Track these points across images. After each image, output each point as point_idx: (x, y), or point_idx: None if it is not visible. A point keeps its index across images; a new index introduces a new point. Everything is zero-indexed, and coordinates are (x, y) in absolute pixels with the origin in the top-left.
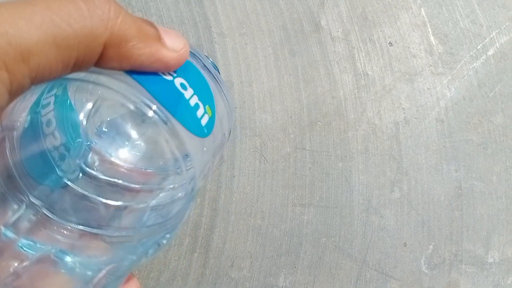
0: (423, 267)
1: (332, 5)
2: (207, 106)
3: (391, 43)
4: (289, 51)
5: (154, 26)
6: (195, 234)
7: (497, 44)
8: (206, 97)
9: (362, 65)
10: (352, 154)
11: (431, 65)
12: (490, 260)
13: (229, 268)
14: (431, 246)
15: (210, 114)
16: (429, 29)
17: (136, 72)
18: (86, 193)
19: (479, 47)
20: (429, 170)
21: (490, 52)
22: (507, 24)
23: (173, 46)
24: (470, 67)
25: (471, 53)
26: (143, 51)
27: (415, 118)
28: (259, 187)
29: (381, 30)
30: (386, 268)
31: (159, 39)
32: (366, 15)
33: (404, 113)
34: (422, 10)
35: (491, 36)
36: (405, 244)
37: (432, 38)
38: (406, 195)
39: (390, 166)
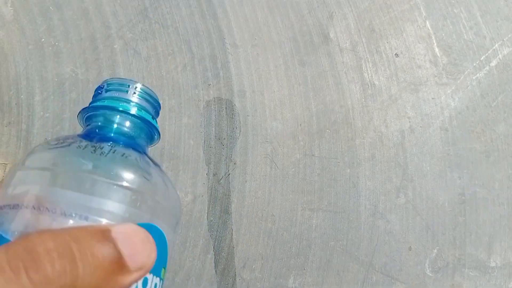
0: (427, 271)
1: (340, 18)
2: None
3: (397, 54)
4: (299, 61)
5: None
6: (209, 236)
7: (500, 55)
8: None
9: (369, 75)
10: (360, 161)
11: (436, 76)
12: (492, 264)
13: (241, 269)
14: (435, 250)
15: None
16: (434, 41)
17: None
18: None
19: (482, 58)
20: (433, 177)
21: (493, 63)
22: (509, 35)
23: (136, 264)
24: (474, 78)
25: (474, 64)
26: None
27: (420, 126)
28: (270, 192)
29: (387, 42)
30: (391, 271)
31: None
32: (373, 27)
33: (409, 121)
34: (427, 22)
35: (494, 47)
36: (410, 248)
37: (436, 49)
38: (411, 201)
39: (396, 172)
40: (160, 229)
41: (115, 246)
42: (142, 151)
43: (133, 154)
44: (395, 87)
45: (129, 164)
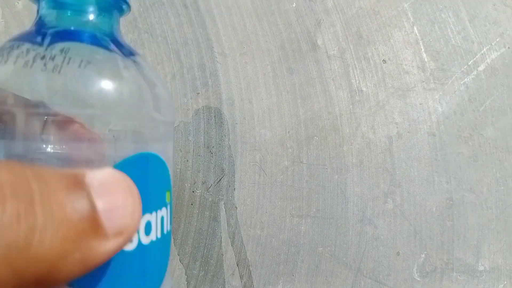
0: (416, 275)
1: (328, 25)
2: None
3: (385, 61)
4: (287, 69)
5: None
6: (197, 244)
7: (488, 59)
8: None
9: (357, 82)
10: (347, 167)
11: (423, 81)
12: (481, 268)
13: (230, 276)
14: (423, 255)
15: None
16: (422, 47)
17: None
18: None
19: (470, 63)
20: (421, 182)
21: (481, 68)
22: (498, 40)
23: (115, 225)
24: (461, 83)
25: (462, 69)
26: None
27: (408, 132)
28: (259, 199)
29: (375, 48)
30: (379, 276)
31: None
32: (361, 34)
33: (397, 127)
34: (415, 28)
35: (482, 52)
36: (398, 253)
37: (424, 55)
38: (399, 206)
39: (384, 178)
40: (157, 154)
41: (88, 196)
42: (109, 43)
43: (98, 55)
44: (383, 93)
45: (95, 77)
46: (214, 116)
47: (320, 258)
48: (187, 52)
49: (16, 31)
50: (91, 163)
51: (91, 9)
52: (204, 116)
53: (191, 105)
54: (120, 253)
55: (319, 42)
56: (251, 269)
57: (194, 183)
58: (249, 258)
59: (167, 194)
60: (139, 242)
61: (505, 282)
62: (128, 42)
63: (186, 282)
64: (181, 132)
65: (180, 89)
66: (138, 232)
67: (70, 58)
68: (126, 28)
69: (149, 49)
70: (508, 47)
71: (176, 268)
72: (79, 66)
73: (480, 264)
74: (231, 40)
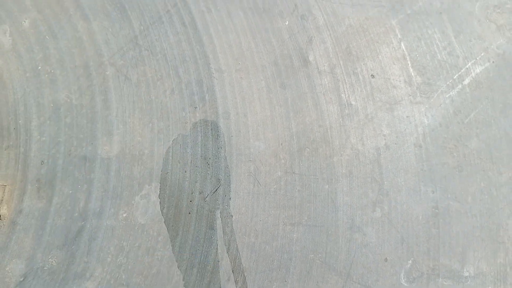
0: (403, 281)
1: (319, 42)
2: None
3: (373, 75)
4: (280, 84)
5: None
6: (194, 251)
7: (472, 73)
8: None
9: (346, 96)
10: (337, 177)
11: (410, 95)
12: (466, 274)
13: (226, 282)
14: (410, 261)
15: None
16: (409, 62)
17: None
18: None
19: (455, 77)
20: (408, 191)
21: (466, 82)
22: (482, 54)
23: None
24: (447, 96)
25: (447, 83)
26: None
27: (395, 143)
28: (253, 208)
29: (364, 64)
30: (368, 281)
31: None
32: (351, 50)
33: (385, 139)
34: (402, 44)
35: (467, 66)
36: (386, 260)
37: (411, 69)
38: (387, 214)
39: (372, 188)
40: None
41: None
42: None
43: None
44: (371, 107)
45: None
46: (211, 129)
47: (312, 264)
48: (185, 69)
49: (22, 49)
50: None
51: None
52: (201, 129)
53: (189, 119)
54: None
55: (311, 58)
56: (245, 275)
57: (192, 193)
58: (244, 265)
59: None
60: None
61: None
62: (130, 58)
63: None
64: (179, 145)
65: (179, 103)
66: None
67: None
68: (128, 45)
69: (149, 66)
70: (493, 61)
71: (174, 274)
72: None
73: (465, 270)
74: (227, 56)
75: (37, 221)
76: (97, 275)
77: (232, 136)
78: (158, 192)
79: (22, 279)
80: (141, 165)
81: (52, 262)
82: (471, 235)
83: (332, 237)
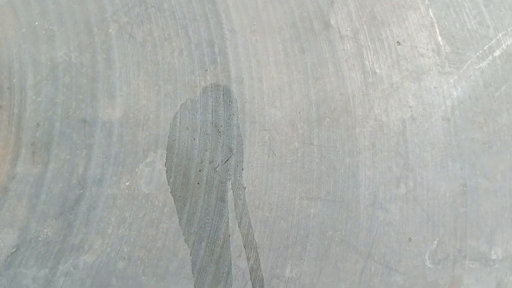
0: (427, 262)
1: (341, 4)
2: None
3: (399, 42)
4: (299, 48)
5: None
6: (203, 224)
7: (503, 45)
8: None
9: (370, 63)
10: (359, 150)
11: (438, 65)
12: (494, 256)
13: (237, 258)
14: (436, 242)
15: None
16: (437, 30)
17: None
18: None
19: (485, 48)
20: (434, 167)
21: (497, 53)
22: None
23: None
24: (477, 68)
25: (477, 54)
26: None
27: (422, 116)
28: (267, 180)
29: (389, 30)
30: (390, 262)
31: None
32: (375, 14)
33: (411, 111)
34: (430, 10)
35: (498, 37)
36: (410, 239)
37: (439, 38)
38: (411, 191)
39: (397, 162)
40: None
41: None
42: None
43: None
44: (397, 76)
45: None
46: (223, 94)
47: (330, 242)
48: (195, 28)
49: (18, 2)
50: None
51: None
52: (212, 94)
53: (199, 82)
54: None
55: (332, 21)
56: (258, 251)
57: (201, 162)
58: (257, 240)
59: None
60: None
61: None
62: (135, 15)
63: (191, 263)
64: (188, 110)
65: (188, 65)
66: None
67: None
68: (133, 1)
69: (156, 24)
70: None
71: (181, 248)
72: None
73: (493, 252)
74: (241, 16)
75: (31, 188)
76: (97, 248)
77: (245, 102)
78: (165, 160)
79: (14, 250)
80: (146, 131)
81: (48, 232)
82: (500, 216)
83: (353, 213)
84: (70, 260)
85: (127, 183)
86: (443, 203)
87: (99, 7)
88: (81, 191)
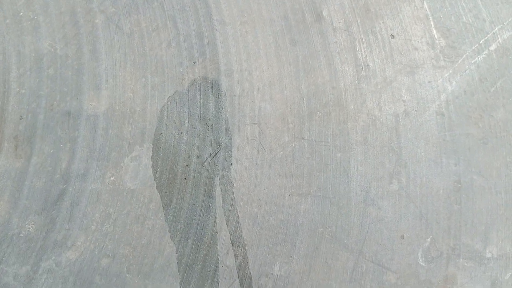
0: (420, 260)
1: None
2: None
3: (393, 35)
4: (290, 40)
5: None
6: (190, 221)
7: (499, 39)
8: None
9: (363, 56)
10: (351, 145)
11: (433, 58)
12: (488, 255)
13: (224, 256)
14: (429, 239)
15: None
16: (432, 23)
17: None
18: None
19: (481, 41)
20: (428, 163)
21: (492, 47)
22: (510, 19)
23: None
24: (472, 62)
25: (473, 48)
26: None
27: (415, 110)
28: (257, 175)
29: (383, 22)
30: (382, 260)
31: None
32: (368, 6)
33: (404, 105)
34: (425, 3)
35: (494, 31)
36: (402, 237)
37: (434, 31)
38: (404, 187)
39: (389, 158)
40: None
41: None
42: None
43: None
44: (390, 69)
45: None
46: (211, 87)
47: (320, 239)
48: (184, 19)
49: None
50: None
51: None
52: (200, 86)
53: (187, 75)
54: None
55: (324, 13)
56: (246, 248)
57: (188, 157)
58: (245, 237)
59: None
60: None
61: None
62: (122, 6)
63: (177, 261)
64: (175, 103)
65: (176, 57)
66: None
67: None
68: None
69: (144, 15)
70: None
71: (167, 245)
72: None
73: (487, 250)
74: (232, 7)
75: (13, 182)
76: (80, 244)
77: (235, 95)
78: (151, 154)
79: None
80: (132, 124)
81: (30, 228)
82: (495, 213)
83: (344, 210)
84: (53, 257)
85: (111, 178)
86: (436, 200)
87: None
88: (65, 186)
